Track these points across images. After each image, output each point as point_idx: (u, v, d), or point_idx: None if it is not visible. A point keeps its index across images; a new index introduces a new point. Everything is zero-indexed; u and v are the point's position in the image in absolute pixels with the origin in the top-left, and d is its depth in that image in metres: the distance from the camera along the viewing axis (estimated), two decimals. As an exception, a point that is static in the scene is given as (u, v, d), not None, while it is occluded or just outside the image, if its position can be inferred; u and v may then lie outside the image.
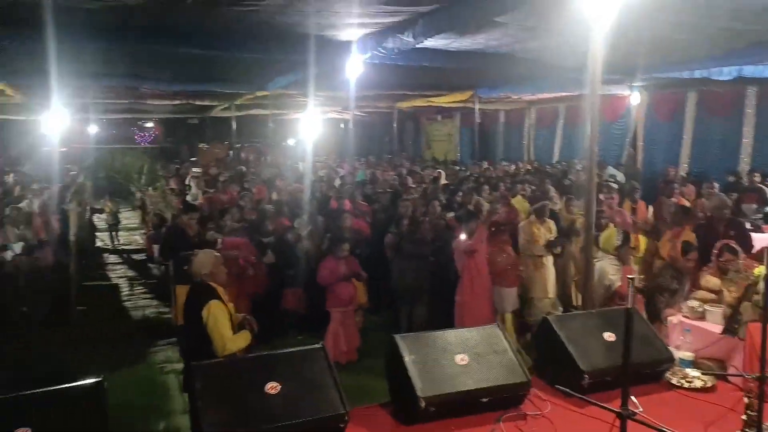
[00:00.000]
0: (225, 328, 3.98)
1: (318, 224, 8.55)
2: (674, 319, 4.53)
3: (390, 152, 24.86)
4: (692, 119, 14.38)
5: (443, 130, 25.95)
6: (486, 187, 10.20)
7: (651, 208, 9.43)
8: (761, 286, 3.99)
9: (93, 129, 25.25)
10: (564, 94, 16.67)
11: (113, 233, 13.86)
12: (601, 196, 9.00)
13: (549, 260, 7.44)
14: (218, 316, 3.97)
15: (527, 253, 7.52)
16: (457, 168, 16.17)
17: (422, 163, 20.00)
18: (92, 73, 11.66)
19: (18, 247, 7.60)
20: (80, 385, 2.64)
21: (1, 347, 7.31)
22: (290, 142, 29.36)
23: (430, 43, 8.72)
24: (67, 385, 2.63)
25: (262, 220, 8.78)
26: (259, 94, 15.19)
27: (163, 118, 27.17)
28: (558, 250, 7.57)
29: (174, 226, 7.66)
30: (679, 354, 3.79)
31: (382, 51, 8.57)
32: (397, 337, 3.37)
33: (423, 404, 3.06)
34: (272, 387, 2.90)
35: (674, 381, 3.55)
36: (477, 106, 16.60)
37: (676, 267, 5.41)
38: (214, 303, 4.02)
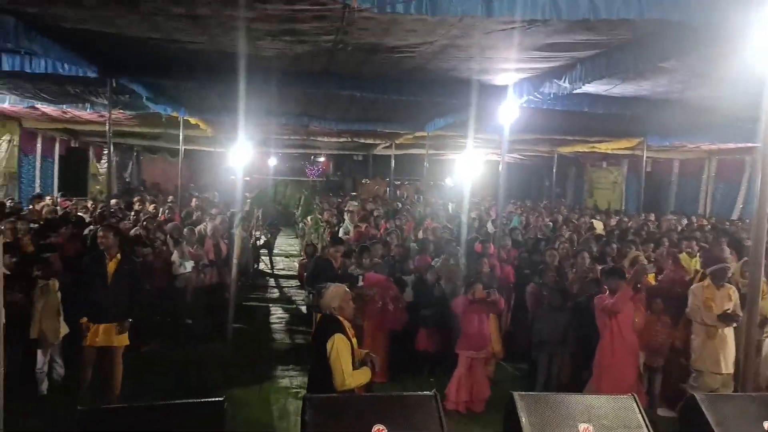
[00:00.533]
0: (346, 363, 4.06)
1: (459, 266, 8.47)
2: None
3: (548, 197, 24.06)
4: None
5: (608, 178, 24.55)
6: (642, 241, 9.37)
7: None
8: None
9: (272, 161, 27.80)
10: (752, 145, 15.01)
11: (270, 258, 14.94)
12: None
13: (727, 331, 6.56)
14: (341, 350, 4.07)
15: (696, 320, 6.76)
16: (617, 218, 15.13)
17: (581, 211, 19.08)
18: (271, 111, 12.95)
19: (189, 265, 8.50)
20: (204, 401, 2.85)
21: (163, 354, 8.20)
22: (447, 181, 29.77)
23: (590, 88, 8.42)
24: (192, 401, 2.85)
25: (405, 258, 8.93)
26: (418, 134, 15.66)
27: (331, 153, 29.06)
28: (734, 324, 6.65)
29: (321, 257, 8.06)
30: None
31: (538, 96, 8.44)
32: (516, 395, 3.19)
33: (536, 472, 2.85)
34: (379, 430, 2.89)
35: None
36: (645, 154, 15.48)
37: None
38: (338, 336, 4.12)
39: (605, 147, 17.00)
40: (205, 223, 10.70)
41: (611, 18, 4.23)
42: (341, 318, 4.30)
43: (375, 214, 14.38)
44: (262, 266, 15.26)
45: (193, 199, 14.54)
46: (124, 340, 6.27)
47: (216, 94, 11.36)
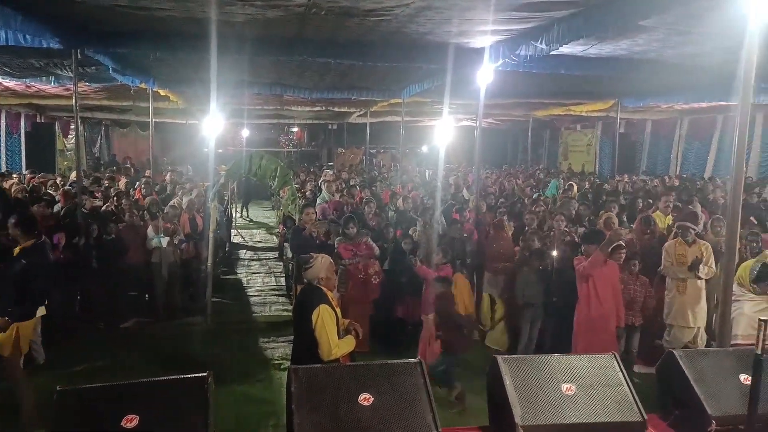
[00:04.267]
0: (332, 333, 4.04)
1: (433, 233, 8.47)
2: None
3: (524, 162, 24.17)
4: None
5: (582, 141, 24.73)
6: (615, 204, 9.46)
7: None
8: None
9: (246, 133, 27.36)
10: (723, 103, 15.16)
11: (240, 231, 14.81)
12: (753, 218, 8.07)
13: (698, 286, 6.73)
14: (327, 320, 4.04)
15: (670, 275, 6.95)
16: (592, 181, 15.27)
17: (557, 174, 19.21)
18: (243, 81, 12.65)
19: (164, 240, 8.36)
20: (186, 378, 2.79)
21: (143, 331, 8.14)
22: (424, 148, 29.70)
23: (566, 49, 8.35)
24: (174, 377, 2.80)
25: (385, 227, 8.89)
26: (394, 101, 15.49)
27: (306, 123, 28.67)
28: (703, 273, 6.83)
29: (299, 228, 7.98)
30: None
31: (514, 58, 8.33)
32: (500, 359, 3.20)
33: (521, 433, 2.88)
34: (365, 398, 2.88)
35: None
36: (619, 116, 15.56)
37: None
38: (323, 307, 4.09)
39: (580, 109, 17.05)
40: (178, 197, 10.52)
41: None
42: (324, 288, 4.26)
43: (351, 183, 14.30)
44: (239, 239, 15.15)
45: (168, 174, 14.26)
46: (6, 342, 5.12)
47: (186, 65, 11.05)
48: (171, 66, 11.22)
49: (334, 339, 4.05)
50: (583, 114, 18.38)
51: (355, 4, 5.95)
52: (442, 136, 14.14)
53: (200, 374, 2.78)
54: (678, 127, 19.18)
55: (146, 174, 14.66)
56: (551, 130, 27.22)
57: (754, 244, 6.94)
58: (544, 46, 7.39)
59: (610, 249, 6.14)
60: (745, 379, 3.18)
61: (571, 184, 12.80)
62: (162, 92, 13.91)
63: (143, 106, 15.01)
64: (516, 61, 8.41)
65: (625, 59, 9.30)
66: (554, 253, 7.57)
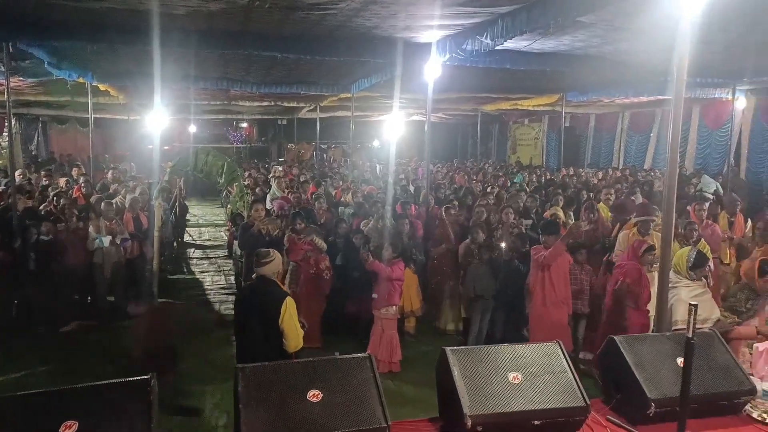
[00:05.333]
0: (298, 325, 4.15)
1: (385, 228, 8.50)
2: (761, 346, 4.09)
3: (473, 156, 24.52)
4: (806, 126, 13.17)
5: (530, 134, 25.28)
6: (560, 197, 9.72)
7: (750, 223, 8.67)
8: None
9: (192, 129, 26.73)
10: (662, 97, 15.74)
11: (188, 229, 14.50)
12: (690, 208, 8.42)
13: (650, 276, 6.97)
14: (294, 312, 4.18)
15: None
16: (539, 174, 15.63)
17: (506, 168, 19.56)
18: (188, 75, 12.32)
19: (106, 240, 8.09)
20: (129, 381, 2.71)
21: (86, 335, 7.86)
22: (375, 143, 29.74)
23: (511, 44, 8.50)
24: (115, 381, 2.71)
25: (336, 222, 8.88)
26: (343, 96, 15.42)
27: (255, 119, 28.27)
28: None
29: (248, 225, 7.86)
30: (763, 385, 3.42)
31: (461, 53, 8.42)
32: (448, 350, 3.23)
33: (470, 423, 2.91)
34: (314, 395, 2.86)
35: (755, 415, 3.23)
36: (564, 110, 15.97)
37: (752, 288, 4.90)
38: (290, 299, 4.22)
39: (527, 104, 17.38)
40: (121, 196, 10.19)
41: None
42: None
43: (301, 179, 14.18)
44: (187, 237, 14.82)
45: (109, 171, 13.79)
46: None
47: (126, 58, 10.69)
48: (110, 60, 10.84)
49: (300, 331, 4.14)
50: (530, 108, 18.76)
51: (298, -4, 5.88)
52: (392, 131, 14.20)
53: (143, 377, 2.71)
54: (620, 120, 19.82)
55: (74, 172, 14.09)
56: (500, 124, 27.70)
57: (693, 233, 7.26)
58: (489, 41, 7.49)
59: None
60: (681, 362, 3.31)
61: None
62: (102, 87, 13.42)
63: (82, 101, 14.45)
64: (462, 56, 8.50)
65: (567, 55, 9.52)
66: (503, 245, 7.71)
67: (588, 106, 18.69)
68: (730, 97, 13.90)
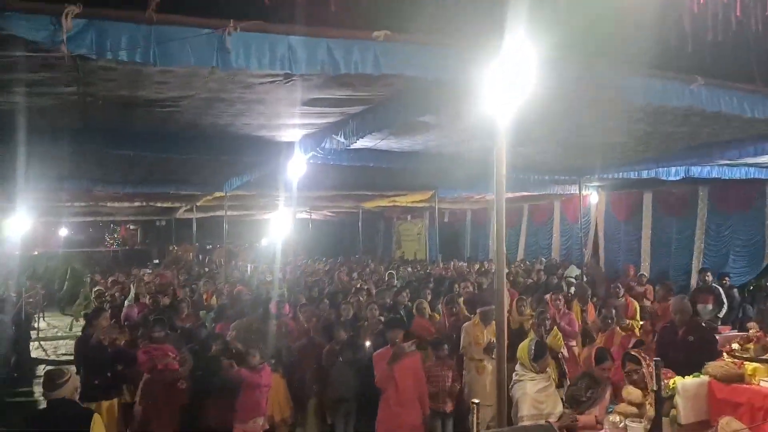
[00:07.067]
0: None
1: (251, 330, 8.06)
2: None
3: (358, 252, 24.70)
4: (649, 218, 14.43)
5: (413, 230, 25.96)
6: (428, 289, 9.83)
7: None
8: (678, 400, 3.58)
9: (63, 232, 24.99)
10: (526, 193, 16.80)
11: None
12: (548, 297, 8.71)
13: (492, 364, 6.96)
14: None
15: (468, 356, 7.13)
16: (411, 269, 15.90)
17: (389, 263, 19.73)
18: (46, 175, 11.47)
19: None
20: None
21: None
22: (263, 242, 29.19)
23: (367, 142, 8.73)
24: None
25: (199, 327, 8.35)
26: (218, 195, 15.08)
27: (130, 220, 27.01)
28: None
29: (87, 336, 7.13)
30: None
31: (320, 151, 8.52)
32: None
33: None
34: None
35: None
36: (437, 206, 16.60)
37: (592, 376, 4.98)
38: (97, 417, 3.91)
39: (404, 200, 17.89)
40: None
41: (350, 72, 4.32)
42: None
43: (175, 282, 13.43)
44: (40, 353, 13.30)
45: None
46: None
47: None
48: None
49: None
50: (409, 205, 19.33)
51: (133, 93, 5.67)
52: (277, 230, 13.96)
53: None
54: (492, 216, 20.84)
55: None
56: (385, 221, 28.30)
57: (546, 322, 7.43)
58: (343, 139, 7.65)
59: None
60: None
61: (391, 273, 13.10)
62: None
63: None
64: (322, 155, 8.60)
65: (427, 153, 9.91)
66: (367, 343, 7.47)
67: (463, 202, 19.54)
68: (585, 192, 15.11)
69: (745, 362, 4.08)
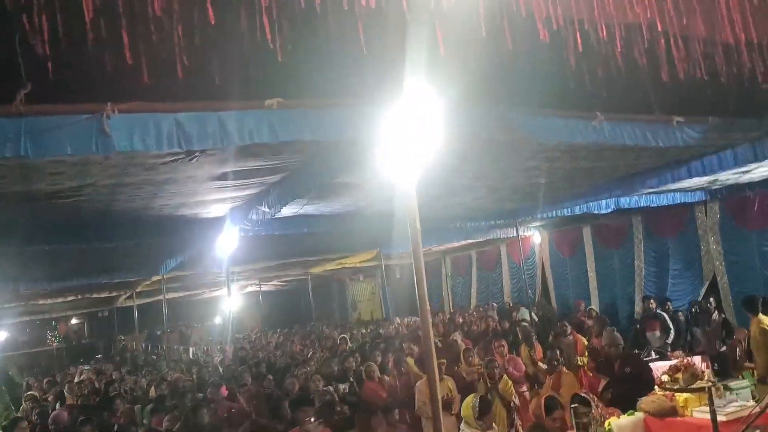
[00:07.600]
0: None
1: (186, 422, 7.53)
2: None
3: (311, 320, 24.13)
4: (592, 252, 14.62)
5: (367, 290, 25.63)
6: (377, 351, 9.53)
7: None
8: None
9: (2, 335, 23.62)
10: (472, 241, 16.84)
11: None
12: (495, 343, 8.55)
13: (453, 422, 6.65)
14: None
15: (424, 415, 6.86)
16: (364, 331, 15.56)
17: (345, 327, 19.27)
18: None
19: None
20: None
21: None
22: (216, 320, 28.21)
23: (294, 210, 8.57)
24: None
25: (129, 424, 7.75)
26: (156, 278, 14.55)
27: (76, 314, 25.80)
28: (454, 410, 6.85)
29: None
30: None
31: (248, 224, 8.32)
32: None
33: None
34: None
35: None
36: (383, 263, 16.45)
37: (542, 427, 4.76)
38: None
39: (351, 261, 17.67)
40: None
41: (245, 143, 4.19)
42: None
43: (113, 377, 12.57)
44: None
45: None
46: None
47: None
48: None
49: None
50: (358, 265, 19.08)
51: (30, 187, 5.37)
52: (224, 307, 13.44)
53: None
54: (443, 266, 20.81)
55: None
56: (338, 284, 27.86)
57: (496, 371, 7.22)
58: (267, 209, 7.48)
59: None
60: None
61: (344, 338, 12.71)
62: None
63: None
64: (249, 226, 8.39)
65: (357, 213, 9.81)
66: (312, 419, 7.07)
67: (410, 257, 19.39)
68: (524, 234, 15.27)
69: (675, 393, 3.97)
